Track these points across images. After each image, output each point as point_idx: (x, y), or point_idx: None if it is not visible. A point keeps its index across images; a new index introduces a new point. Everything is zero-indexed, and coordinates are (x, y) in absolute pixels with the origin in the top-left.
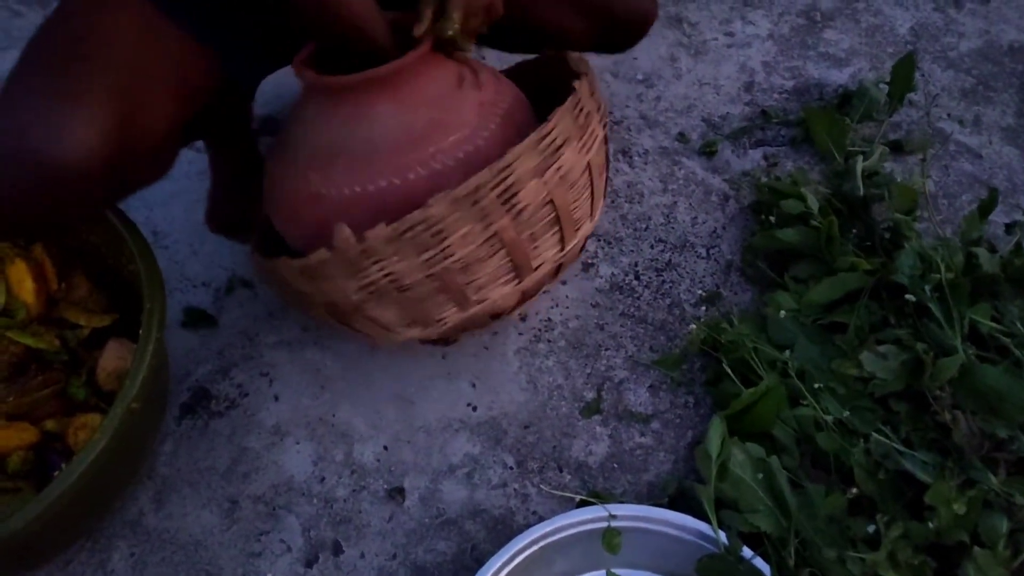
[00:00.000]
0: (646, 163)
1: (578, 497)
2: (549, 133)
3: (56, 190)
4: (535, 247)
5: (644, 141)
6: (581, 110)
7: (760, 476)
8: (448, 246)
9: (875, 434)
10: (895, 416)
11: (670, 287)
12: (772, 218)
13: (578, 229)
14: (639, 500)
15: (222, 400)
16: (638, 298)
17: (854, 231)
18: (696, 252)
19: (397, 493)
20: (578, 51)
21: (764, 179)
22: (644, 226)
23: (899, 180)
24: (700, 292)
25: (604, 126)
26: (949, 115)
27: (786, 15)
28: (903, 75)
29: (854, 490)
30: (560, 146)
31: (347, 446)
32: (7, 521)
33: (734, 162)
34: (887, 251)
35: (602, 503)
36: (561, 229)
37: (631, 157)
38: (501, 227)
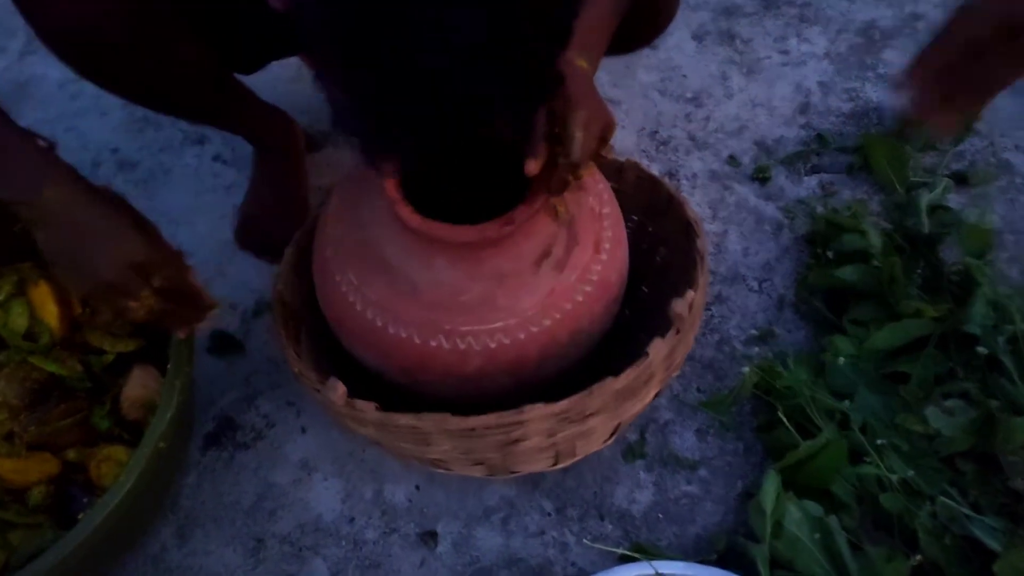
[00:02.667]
0: (694, 187)
1: (620, 550)
2: (581, 407)
3: None
4: (518, 463)
5: (692, 163)
6: (648, 375)
7: (817, 536)
8: (429, 446)
9: (942, 497)
10: (962, 477)
11: (719, 322)
12: (829, 252)
13: (575, 456)
14: (685, 555)
15: (248, 431)
16: None
17: (918, 271)
18: (747, 285)
19: (429, 537)
20: None
21: (820, 209)
22: None
23: (967, 218)
24: (752, 330)
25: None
26: (1017, 146)
27: (843, 33)
28: None
29: (918, 556)
30: (588, 416)
31: (377, 484)
32: (30, 566)
33: (788, 189)
34: (955, 295)
35: (647, 558)
36: (557, 456)
37: (678, 180)
38: (487, 457)
